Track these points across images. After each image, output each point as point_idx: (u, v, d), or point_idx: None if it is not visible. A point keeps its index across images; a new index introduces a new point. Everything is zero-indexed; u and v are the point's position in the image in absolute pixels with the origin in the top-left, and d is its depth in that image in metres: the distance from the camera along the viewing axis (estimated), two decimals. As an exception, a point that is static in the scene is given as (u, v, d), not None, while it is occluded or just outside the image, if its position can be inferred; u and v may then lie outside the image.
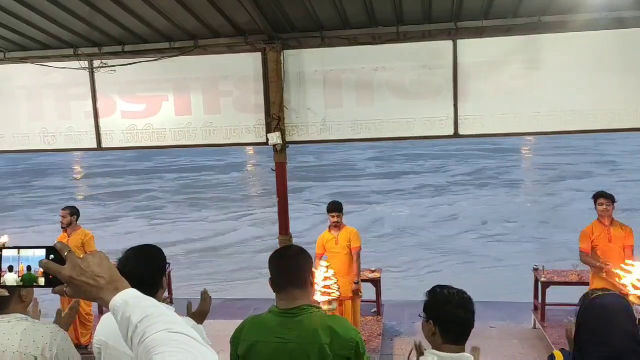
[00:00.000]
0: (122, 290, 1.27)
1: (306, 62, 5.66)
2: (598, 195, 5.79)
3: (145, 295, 1.29)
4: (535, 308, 7.17)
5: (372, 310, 7.40)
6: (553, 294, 6.72)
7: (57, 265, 1.25)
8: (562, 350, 2.35)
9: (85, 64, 6.00)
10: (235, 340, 2.44)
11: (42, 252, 1.29)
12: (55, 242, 1.32)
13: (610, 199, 5.70)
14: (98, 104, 6.09)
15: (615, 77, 5.25)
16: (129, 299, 1.24)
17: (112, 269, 1.30)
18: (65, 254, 1.26)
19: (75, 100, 6.13)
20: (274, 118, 5.62)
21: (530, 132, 5.48)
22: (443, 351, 2.31)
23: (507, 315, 7.37)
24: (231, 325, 2.58)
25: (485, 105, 5.42)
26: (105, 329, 2.60)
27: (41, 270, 1.28)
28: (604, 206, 5.69)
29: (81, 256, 1.28)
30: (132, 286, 2.76)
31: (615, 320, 2.13)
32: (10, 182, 26.92)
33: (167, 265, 2.60)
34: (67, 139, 6.20)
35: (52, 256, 1.28)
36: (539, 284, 6.99)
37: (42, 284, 1.29)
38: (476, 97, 5.43)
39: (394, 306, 7.80)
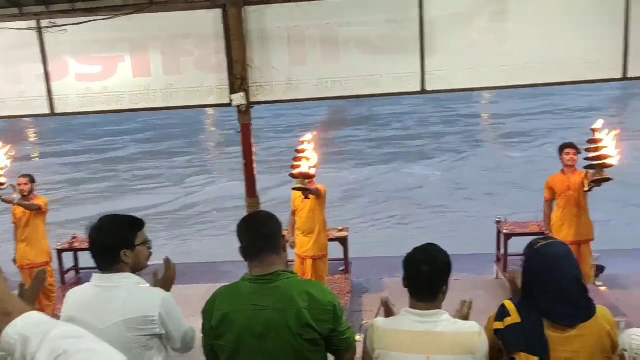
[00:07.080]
0: (14, 315, 0.93)
1: (269, 19, 5.44)
2: (564, 146, 6.12)
3: (47, 319, 0.97)
4: (498, 259, 7.38)
5: (340, 269, 7.49)
6: (514, 245, 6.89)
7: None
8: (510, 299, 2.42)
9: (32, 23, 5.61)
10: (208, 311, 2.37)
11: None
12: None
13: (576, 148, 6.01)
14: (49, 66, 5.72)
15: (588, 26, 5.14)
16: (26, 331, 0.91)
17: None
18: None
19: (25, 63, 5.73)
20: (237, 78, 5.43)
21: (500, 86, 5.42)
22: (416, 309, 2.32)
23: (470, 267, 7.52)
24: (202, 290, 2.51)
25: (453, 60, 5.31)
26: (72, 304, 2.52)
27: None
28: (570, 155, 5.98)
29: None
30: (104, 259, 2.61)
31: (564, 266, 2.27)
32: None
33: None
34: (18, 104, 5.83)
35: None
36: (501, 235, 7.19)
37: None
38: (444, 51, 5.30)
39: (362, 262, 7.91)
